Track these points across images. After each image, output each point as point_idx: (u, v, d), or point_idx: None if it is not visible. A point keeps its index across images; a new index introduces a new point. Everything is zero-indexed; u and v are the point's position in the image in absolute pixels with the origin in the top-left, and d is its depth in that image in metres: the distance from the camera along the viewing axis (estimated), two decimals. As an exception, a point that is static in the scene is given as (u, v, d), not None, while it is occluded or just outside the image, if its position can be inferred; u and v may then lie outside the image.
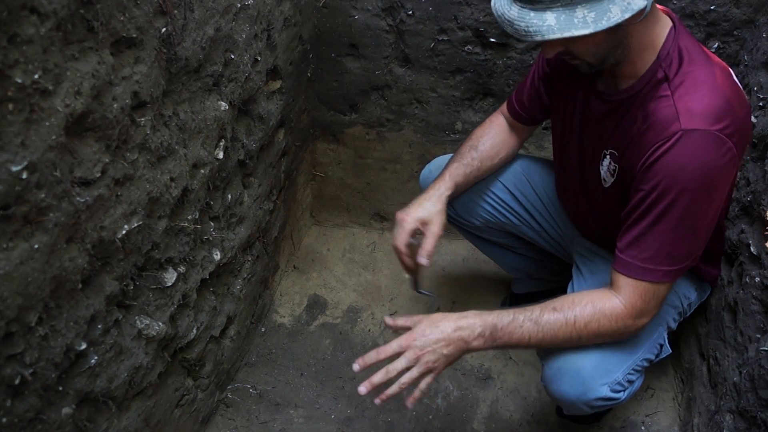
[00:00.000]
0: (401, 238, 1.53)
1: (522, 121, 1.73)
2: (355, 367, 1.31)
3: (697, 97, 1.22)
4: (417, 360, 1.30)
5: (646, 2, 1.14)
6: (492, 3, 1.28)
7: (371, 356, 1.31)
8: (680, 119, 1.21)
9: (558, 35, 1.16)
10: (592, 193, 1.54)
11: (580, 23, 1.14)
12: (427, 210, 1.55)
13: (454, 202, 1.81)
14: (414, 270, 1.58)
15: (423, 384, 1.32)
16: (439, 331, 1.31)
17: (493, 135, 1.74)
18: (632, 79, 1.33)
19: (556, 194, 1.79)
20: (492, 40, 2.02)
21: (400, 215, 1.55)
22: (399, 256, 1.56)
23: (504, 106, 1.78)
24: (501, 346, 1.36)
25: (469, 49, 2.07)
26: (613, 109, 1.39)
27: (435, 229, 1.53)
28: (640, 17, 1.18)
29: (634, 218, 1.30)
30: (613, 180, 1.43)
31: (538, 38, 1.17)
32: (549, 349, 1.44)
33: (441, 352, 1.31)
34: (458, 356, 1.34)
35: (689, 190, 1.22)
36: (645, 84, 1.31)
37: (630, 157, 1.34)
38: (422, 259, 1.50)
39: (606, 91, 1.41)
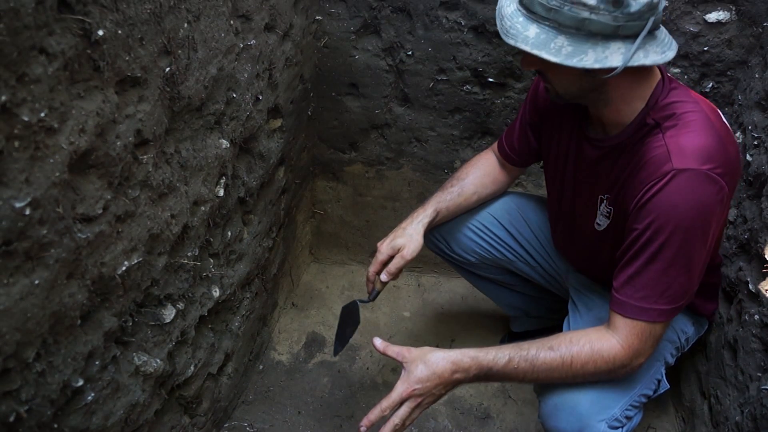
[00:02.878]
0: (372, 268, 1.61)
1: (512, 162, 1.76)
2: (362, 429, 1.35)
3: (689, 137, 1.24)
4: (418, 406, 1.35)
5: (619, 64, 1.17)
6: None
7: (375, 412, 1.33)
8: (672, 159, 1.23)
9: (527, 49, 1.19)
10: (586, 236, 1.55)
11: (554, 50, 1.18)
12: (401, 237, 1.61)
13: (449, 239, 1.82)
14: (376, 287, 1.64)
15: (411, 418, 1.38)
16: (437, 376, 1.34)
17: (479, 167, 1.78)
18: (620, 126, 1.36)
19: (550, 234, 1.81)
20: (490, 80, 2.06)
21: (378, 244, 1.63)
22: (366, 282, 1.64)
23: (495, 146, 1.81)
24: (497, 380, 1.41)
25: (467, 88, 2.10)
26: (605, 153, 1.41)
27: (405, 253, 1.59)
28: (611, 74, 1.20)
29: (629, 257, 1.31)
30: (608, 222, 1.44)
31: (511, 42, 1.21)
32: (546, 384, 1.44)
33: (436, 394, 1.36)
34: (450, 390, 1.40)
35: (682, 229, 1.23)
36: (635, 130, 1.33)
37: (624, 197, 1.35)
38: (383, 276, 1.58)
39: (596, 137, 1.43)
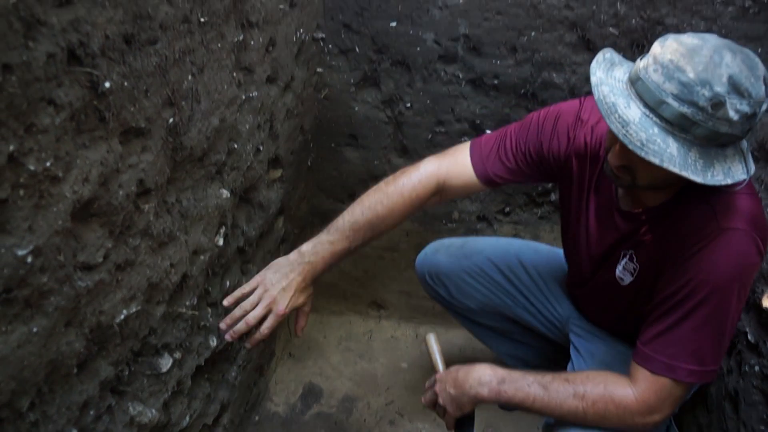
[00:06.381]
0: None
1: (490, 184, 1.60)
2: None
3: (734, 198, 1.23)
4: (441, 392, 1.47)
5: (745, 177, 1.13)
6: (596, 84, 1.17)
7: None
8: (718, 218, 1.21)
9: (675, 170, 1.09)
10: (605, 289, 1.53)
11: (691, 166, 1.10)
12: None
13: (448, 284, 1.83)
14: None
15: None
16: (452, 376, 1.45)
17: (406, 205, 1.70)
18: (664, 198, 1.32)
19: (552, 278, 1.81)
20: (488, 132, 2.09)
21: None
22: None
23: (463, 161, 1.65)
24: (506, 401, 1.37)
25: (465, 139, 2.12)
26: (640, 224, 1.37)
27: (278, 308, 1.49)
28: (737, 187, 1.16)
29: (661, 312, 1.27)
30: (632, 279, 1.42)
31: (654, 160, 1.09)
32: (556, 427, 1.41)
33: (448, 391, 1.44)
34: (465, 401, 1.42)
35: (721, 289, 1.20)
36: (678, 201, 1.30)
37: (656, 254, 1.33)
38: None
39: (632, 210, 1.40)
